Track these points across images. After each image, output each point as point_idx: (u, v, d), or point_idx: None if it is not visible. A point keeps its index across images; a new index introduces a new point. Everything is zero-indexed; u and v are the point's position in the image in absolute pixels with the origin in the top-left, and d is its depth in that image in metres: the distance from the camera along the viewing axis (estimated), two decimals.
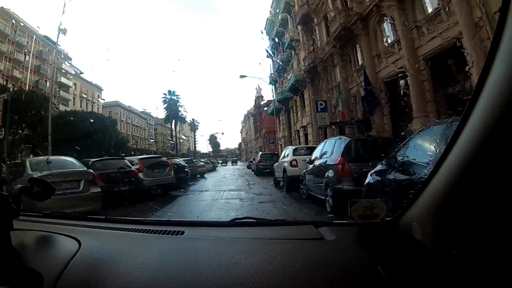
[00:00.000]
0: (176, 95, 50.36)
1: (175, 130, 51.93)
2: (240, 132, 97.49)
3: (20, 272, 0.67)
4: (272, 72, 33.95)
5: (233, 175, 20.30)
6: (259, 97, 53.15)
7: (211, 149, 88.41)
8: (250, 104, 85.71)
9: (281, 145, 30.77)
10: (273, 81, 33.68)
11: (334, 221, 1.08)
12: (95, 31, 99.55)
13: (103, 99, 48.83)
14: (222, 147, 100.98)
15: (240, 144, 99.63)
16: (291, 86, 24.75)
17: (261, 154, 19.69)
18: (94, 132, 25.30)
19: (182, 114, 51.09)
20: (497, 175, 0.58)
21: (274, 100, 33.58)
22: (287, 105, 29.68)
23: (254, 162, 21.63)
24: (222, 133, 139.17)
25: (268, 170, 14.73)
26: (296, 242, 0.95)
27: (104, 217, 1.35)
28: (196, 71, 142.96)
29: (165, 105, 49.74)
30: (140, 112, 60.00)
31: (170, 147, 52.69)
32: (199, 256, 0.88)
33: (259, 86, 56.12)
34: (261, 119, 51.41)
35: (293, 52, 26.30)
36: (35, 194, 0.92)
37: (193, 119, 71.68)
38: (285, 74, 29.23)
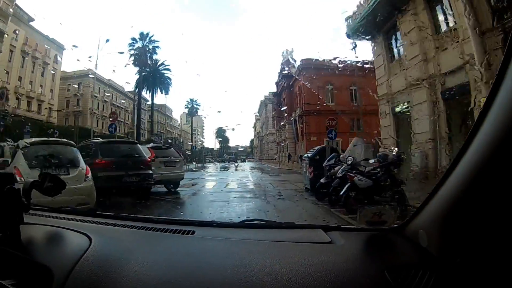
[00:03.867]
0: (153, 41, 31.01)
1: (152, 102, 33.48)
2: (253, 127, 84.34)
3: (28, 267, 0.68)
4: None
5: None
6: (287, 62, 33.40)
7: (219, 146, 75.00)
8: (265, 92, 70.17)
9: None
10: None
11: (342, 226, 1.12)
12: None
13: (59, 60, 33.96)
14: (232, 144, 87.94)
15: (252, 141, 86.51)
16: None
17: None
18: None
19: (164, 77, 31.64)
20: (505, 186, 0.58)
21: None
22: None
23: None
24: (233, 129, 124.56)
25: None
26: (305, 245, 0.96)
27: (113, 214, 1.36)
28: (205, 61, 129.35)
29: (133, 58, 29.47)
30: (128, 91, 45.91)
31: (163, 138, 37.12)
32: (210, 256, 0.90)
33: (287, 50, 37.17)
34: (291, 95, 34.22)
35: None
36: (46, 189, 0.95)
37: (191, 99, 53.58)
38: None
